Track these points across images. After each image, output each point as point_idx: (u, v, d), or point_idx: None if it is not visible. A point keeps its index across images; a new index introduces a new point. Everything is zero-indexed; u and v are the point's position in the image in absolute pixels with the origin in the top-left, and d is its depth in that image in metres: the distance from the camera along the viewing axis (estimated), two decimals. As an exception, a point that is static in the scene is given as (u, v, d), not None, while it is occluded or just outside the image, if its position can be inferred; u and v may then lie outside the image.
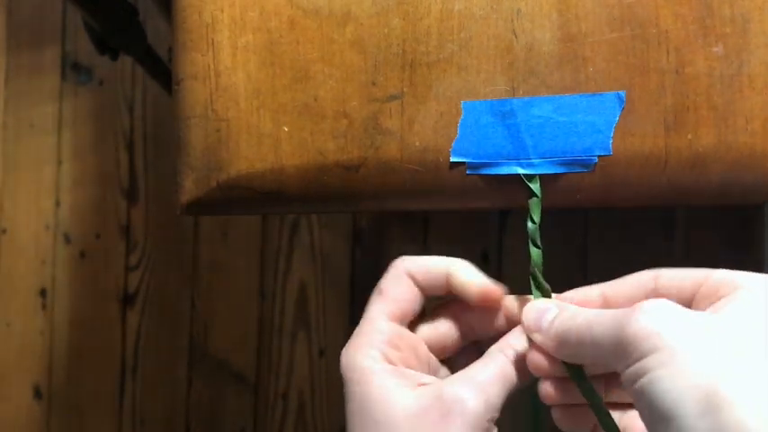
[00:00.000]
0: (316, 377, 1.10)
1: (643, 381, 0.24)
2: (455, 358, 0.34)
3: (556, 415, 0.31)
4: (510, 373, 0.30)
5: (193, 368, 1.15)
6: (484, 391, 0.29)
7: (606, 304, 0.31)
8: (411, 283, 0.32)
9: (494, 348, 0.31)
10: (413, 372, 0.31)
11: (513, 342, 0.31)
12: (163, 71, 0.84)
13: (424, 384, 0.29)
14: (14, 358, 1.20)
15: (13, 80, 1.24)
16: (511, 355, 0.30)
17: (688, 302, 0.28)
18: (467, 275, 0.32)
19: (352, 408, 0.30)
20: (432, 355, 0.33)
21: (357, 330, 0.32)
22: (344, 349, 0.31)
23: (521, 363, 0.30)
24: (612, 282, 0.31)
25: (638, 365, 0.24)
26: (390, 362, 0.30)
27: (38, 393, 1.19)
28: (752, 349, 0.23)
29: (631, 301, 0.28)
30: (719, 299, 0.27)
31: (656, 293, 0.29)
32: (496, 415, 0.29)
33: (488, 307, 0.32)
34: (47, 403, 1.19)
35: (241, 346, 1.13)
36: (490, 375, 0.29)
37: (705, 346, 0.23)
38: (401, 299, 0.32)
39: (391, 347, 0.31)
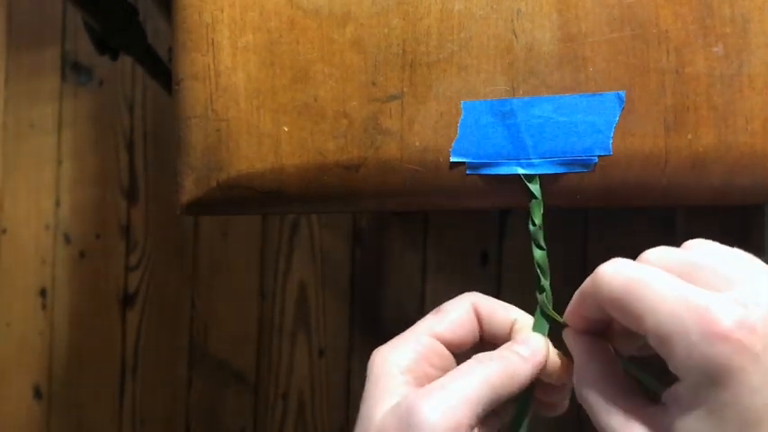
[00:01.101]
0: (316, 377, 1.10)
1: None
2: None
3: None
4: (481, 379, 0.28)
5: (193, 368, 1.15)
6: (443, 400, 0.27)
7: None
8: (472, 315, 0.31)
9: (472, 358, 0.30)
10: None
11: (490, 352, 0.30)
12: (163, 71, 0.84)
13: None
14: (14, 358, 1.20)
15: (13, 80, 1.24)
16: (485, 361, 0.29)
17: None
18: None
19: (361, 405, 0.30)
20: None
21: (399, 336, 0.31)
22: (378, 348, 0.31)
23: (498, 368, 0.29)
24: (573, 301, 0.30)
25: None
26: (415, 373, 0.29)
27: (38, 393, 1.19)
28: None
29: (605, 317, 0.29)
30: (668, 364, 0.25)
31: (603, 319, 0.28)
32: (465, 423, 0.27)
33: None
34: (47, 403, 1.19)
35: (241, 346, 1.13)
36: (453, 384, 0.28)
37: None
38: (456, 323, 0.31)
39: (425, 361, 0.30)
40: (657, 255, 0.27)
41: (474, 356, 0.30)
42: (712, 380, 0.23)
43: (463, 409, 0.27)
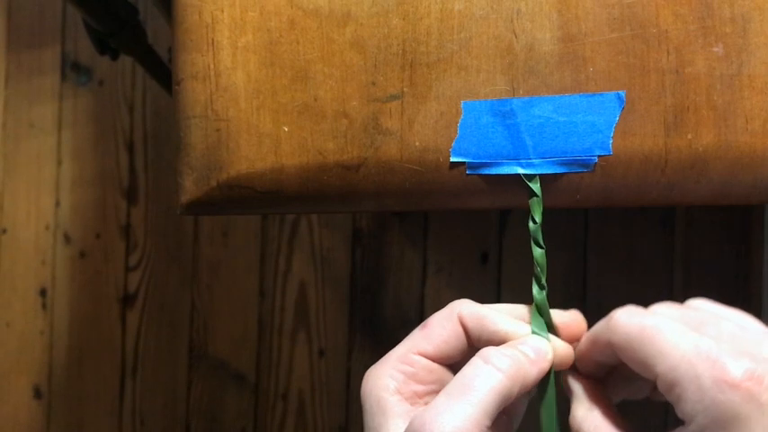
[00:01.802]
0: (316, 377, 1.10)
1: None
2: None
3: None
4: (488, 388, 0.28)
5: (193, 368, 1.15)
6: (450, 420, 0.27)
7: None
8: (459, 330, 0.31)
9: (466, 369, 0.29)
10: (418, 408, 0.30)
11: (492, 356, 0.29)
12: (163, 71, 0.84)
13: None
14: (14, 358, 1.20)
15: (13, 80, 1.24)
16: (494, 361, 0.29)
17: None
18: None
19: None
20: None
21: (387, 356, 0.31)
22: (367, 373, 0.31)
23: (507, 370, 0.28)
24: (584, 343, 0.31)
25: None
26: (403, 393, 0.30)
27: (38, 393, 1.19)
28: None
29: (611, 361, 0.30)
30: (676, 408, 0.26)
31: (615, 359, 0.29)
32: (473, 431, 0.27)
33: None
34: (47, 403, 1.19)
35: (241, 346, 1.13)
36: (460, 400, 0.27)
37: None
38: (442, 341, 0.31)
39: (413, 380, 0.30)
40: (665, 309, 0.29)
41: (480, 354, 0.29)
42: (719, 425, 0.24)
43: (473, 428, 0.27)
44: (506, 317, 0.31)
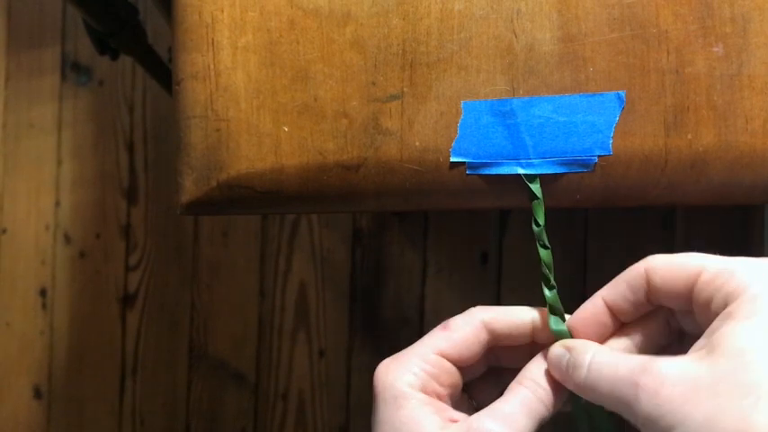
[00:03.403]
0: (316, 377, 1.10)
1: None
2: (476, 389, 0.34)
3: None
4: (535, 404, 0.29)
5: (193, 368, 1.15)
6: (512, 425, 0.28)
7: (614, 316, 0.30)
8: (482, 334, 0.31)
9: (515, 381, 0.30)
10: (446, 406, 0.30)
11: (534, 372, 0.30)
12: (163, 71, 0.84)
13: (455, 420, 0.29)
14: (14, 358, 1.20)
15: (13, 80, 1.24)
16: (532, 386, 0.30)
17: (686, 300, 0.28)
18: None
19: (381, 430, 0.29)
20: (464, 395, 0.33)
21: (406, 351, 0.31)
22: (384, 364, 0.31)
23: (545, 392, 0.30)
24: (608, 286, 0.30)
25: None
26: (426, 392, 0.30)
27: (38, 393, 1.19)
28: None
29: (633, 306, 0.30)
30: (721, 303, 0.26)
31: (652, 296, 0.29)
32: None
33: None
34: (47, 403, 1.19)
35: (241, 346, 1.13)
36: (516, 408, 0.29)
37: (714, 415, 0.23)
38: (462, 342, 0.31)
39: (434, 380, 0.30)
40: None
41: (529, 378, 0.30)
42: None
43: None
44: (526, 307, 0.32)
